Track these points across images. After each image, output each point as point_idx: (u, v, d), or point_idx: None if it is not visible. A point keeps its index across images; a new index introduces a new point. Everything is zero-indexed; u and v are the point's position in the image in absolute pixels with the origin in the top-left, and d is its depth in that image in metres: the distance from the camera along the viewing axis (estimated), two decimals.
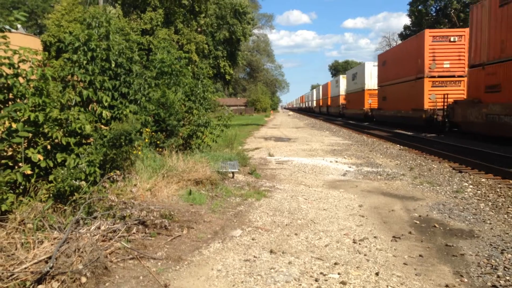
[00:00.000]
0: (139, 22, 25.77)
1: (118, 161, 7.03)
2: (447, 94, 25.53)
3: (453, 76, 27.00)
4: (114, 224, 5.45)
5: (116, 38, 8.50)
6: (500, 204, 8.23)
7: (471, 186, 9.95)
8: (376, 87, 41.83)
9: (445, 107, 24.60)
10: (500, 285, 4.58)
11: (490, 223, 6.94)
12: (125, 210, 5.69)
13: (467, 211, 7.75)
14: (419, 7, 68.30)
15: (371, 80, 43.36)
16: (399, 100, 32.06)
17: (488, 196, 8.95)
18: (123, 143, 6.88)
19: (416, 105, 28.12)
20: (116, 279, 4.50)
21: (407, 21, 76.28)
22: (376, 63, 42.64)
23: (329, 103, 71.05)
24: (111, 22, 8.46)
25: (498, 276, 4.81)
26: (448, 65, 26.98)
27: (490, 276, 4.83)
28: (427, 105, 26.72)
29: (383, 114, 37.75)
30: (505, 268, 5.03)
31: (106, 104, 7.57)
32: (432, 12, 67.77)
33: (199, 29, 30.38)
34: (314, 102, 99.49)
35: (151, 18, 25.71)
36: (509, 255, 5.45)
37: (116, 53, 8.25)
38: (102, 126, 7.36)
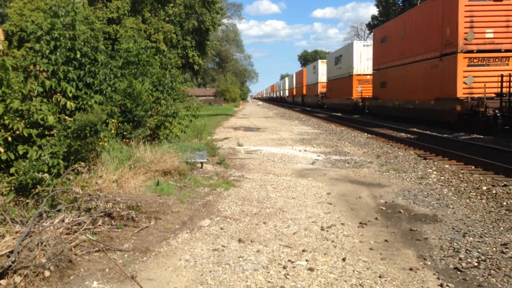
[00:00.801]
0: (105, 10, 25.27)
1: (83, 152, 6.89)
2: (502, 74, 17.49)
3: (499, 51, 19.59)
4: (79, 216, 5.35)
5: (82, 27, 8.30)
6: (462, 189, 8.45)
7: (435, 172, 10.18)
8: (368, 72, 35.69)
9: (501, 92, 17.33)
10: (462, 267, 4.70)
11: (452, 208, 7.12)
12: (90, 202, 5.59)
13: (431, 196, 7.93)
14: None
15: (360, 64, 36.70)
16: (410, 86, 24.74)
17: (451, 181, 9.17)
18: (88, 134, 6.74)
19: (442, 93, 20.79)
20: (81, 272, 4.43)
21: (375, 11, 77.14)
22: (367, 43, 37.00)
23: (304, 92, 65.19)
24: (78, 11, 8.25)
25: (460, 259, 4.95)
26: (491, 35, 19.58)
27: (452, 259, 4.96)
28: (461, 92, 19.30)
29: (381, 105, 30.56)
30: (467, 251, 5.17)
31: (70, 94, 7.39)
32: (399, 2, 68.68)
33: (167, 18, 29.99)
34: (287, 92, 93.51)
35: (117, 7, 25.24)
36: (471, 238, 5.60)
37: (81, 42, 8.06)
38: (66, 117, 7.19)
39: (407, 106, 25.35)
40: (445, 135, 18.40)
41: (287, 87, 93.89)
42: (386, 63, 29.66)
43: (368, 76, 35.53)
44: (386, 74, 29.70)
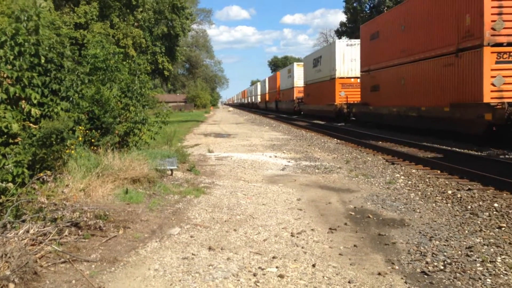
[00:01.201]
0: (72, 15, 24.86)
1: (49, 161, 6.73)
2: None
3: None
4: (44, 227, 5.22)
5: (46, 32, 8.13)
6: (428, 193, 8.63)
7: (402, 177, 10.36)
8: (353, 74, 32.22)
9: None
10: (429, 271, 4.79)
11: (419, 212, 7.26)
12: (56, 212, 5.47)
13: (399, 201, 8.07)
14: (354, 4, 70.35)
15: (343, 65, 32.78)
16: (413, 90, 20.78)
17: (418, 186, 9.35)
18: (54, 142, 6.59)
19: (459, 98, 16.80)
20: (47, 284, 4.32)
21: (343, 17, 78.24)
22: (352, 42, 33.34)
23: (278, 97, 61.25)
24: (41, 15, 8.08)
25: (427, 262, 5.04)
26: None
27: (419, 263, 5.04)
28: (489, 97, 15.26)
29: (373, 112, 26.28)
30: (433, 255, 5.27)
31: (35, 101, 7.22)
32: (366, 9, 69.93)
33: (136, 23, 29.72)
34: (259, 97, 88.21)
35: (85, 12, 24.88)
36: (437, 242, 5.72)
37: (46, 48, 7.89)
38: (31, 124, 7.02)
39: (408, 114, 21.12)
40: (483, 153, 14.22)
41: (259, 93, 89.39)
42: (378, 63, 25.64)
43: (353, 79, 32.39)
44: (378, 76, 25.74)
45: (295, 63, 51.81)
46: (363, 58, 28.69)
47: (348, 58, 32.65)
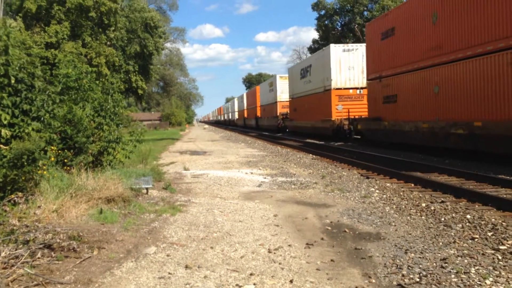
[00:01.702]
0: (43, 35, 24.60)
1: (20, 182, 6.60)
2: None
3: None
4: (16, 249, 5.09)
5: (16, 52, 8.03)
6: (403, 206, 8.74)
7: (377, 191, 10.48)
8: (351, 85, 28.25)
9: None
10: (405, 283, 4.84)
11: (395, 225, 7.34)
12: (28, 234, 5.35)
13: (374, 214, 8.15)
14: (326, 22, 71.54)
15: (340, 74, 28.24)
16: (458, 99, 15.58)
17: (392, 199, 9.47)
18: (25, 163, 6.48)
19: None
20: None
21: (315, 35, 79.44)
22: (349, 47, 29.04)
23: (259, 114, 56.88)
24: (11, 36, 7.98)
25: (403, 275, 5.09)
26: None
27: (395, 276, 5.09)
28: None
29: (389, 129, 20.88)
30: (409, 267, 5.33)
31: (5, 122, 7.11)
32: (337, 27, 71.20)
33: (108, 42, 29.58)
34: (236, 114, 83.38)
35: (56, 31, 24.65)
36: (412, 255, 5.79)
37: (16, 68, 7.79)
38: (1, 145, 6.89)
39: (452, 131, 15.71)
40: None
41: (236, 109, 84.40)
42: (395, 67, 20.44)
43: (352, 91, 28.36)
44: (397, 83, 20.47)
45: (277, 75, 46.91)
46: (371, 63, 23.65)
47: (345, 66, 28.29)
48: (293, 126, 39.62)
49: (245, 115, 70.14)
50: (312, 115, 32.40)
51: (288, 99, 42.08)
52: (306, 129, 34.94)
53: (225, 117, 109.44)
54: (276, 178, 13.23)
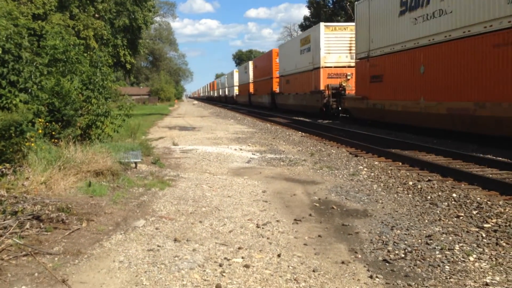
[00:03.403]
0: (30, 6, 24.06)
1: (8, 153, 6.56)
2: None
3: None
4: (4, 220, 5.08)
5: (2, 22, 7.88)
6: (390, 184, 8.84)
7: (365, 169, 10.57)
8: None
9: None
10: (390, 259, 4.93)
11: (382, 203, 7.43)
12: (16, 205, 5.33)
13: (362, 192, 8.24)
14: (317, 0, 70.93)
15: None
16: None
17: (380, 177, 9.56)
18: (13, 135, 6.43)
19: None
20: (8, 277, 4.21)
21: (306, 12, 78.79)
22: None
23: (275, 88, 42.47)
24: None
25: (388, 251, 5.18)
26: None
27: (381, 251, 5.18)
28: None
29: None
30: (394, 243, 5.42)
31: None
32: (329, 4, 70.66)
33: (96, 15, 29.06)
34: (236, 89, 68.65)
35: (43, 3, 24.09)
36: (398, 231, 5.88)
37: (3, 38, 7.66)
38: None
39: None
40: None
41: (235, 83, 68.92)
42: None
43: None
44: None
45: (321, 24, 29.31)
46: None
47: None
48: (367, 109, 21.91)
49: (251, 90, 55.45)
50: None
51: (333, 65, 28.43)
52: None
53: (220, 93, 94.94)
54: (265, 154, 13.26)
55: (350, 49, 27.71)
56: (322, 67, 28.56)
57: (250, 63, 57.35)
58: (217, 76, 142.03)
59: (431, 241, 5.47)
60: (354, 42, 24.92)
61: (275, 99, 42.43)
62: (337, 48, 28.63)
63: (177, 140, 16.93)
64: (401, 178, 9.44)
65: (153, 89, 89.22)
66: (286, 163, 11.64)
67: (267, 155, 13.08)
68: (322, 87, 28.11)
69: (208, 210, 6.95)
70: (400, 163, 11.28)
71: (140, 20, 32.87)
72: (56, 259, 4.73)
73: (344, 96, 25.98)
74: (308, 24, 70.64)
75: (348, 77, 27.26)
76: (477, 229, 5.91)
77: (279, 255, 5.02)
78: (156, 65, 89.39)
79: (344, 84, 26.72)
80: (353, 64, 26.03)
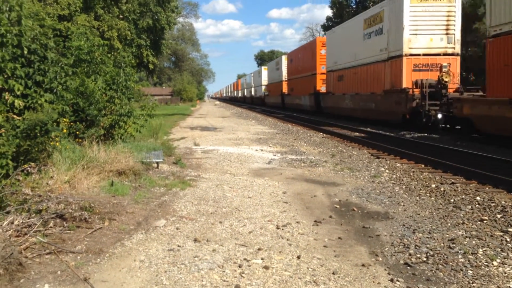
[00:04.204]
0: (55, 7, 24.50)
1: (33, 152, 6.67)
2: None
3: None
4: (29, 218, 5.19)
5: (29, 23, 8.02)
6: (412, 187, 8.73)
7: (387, 171, 10.46)
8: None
9: None
10: (412, 263, 4.87)
11: (403, 205, 7.35)
12: (41, 204, 5.43)
13: (383, 194, 8.16)
14: (340, 0, 70.46)
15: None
16: None
17: (402, 180, 9.46)
18: (38, 134, 6.54)
19: None
20: (32, 275, 4.30)
21: (329, 12, 78.19)
22: None
23: (318, 87, 34.04)
24: (24, 6, 7.97)
25: (410, 254, 5.12)
26: None
27: (402, 255, 5.12)
28: None
29: None
30: (416, 247, 5.35)
31: (18, 93, 7.13)
32: (352, 4, 70.15)
33: (121, 15, 29.43)
34: (264, 88, 61.35)
35: (68, 4, 24.51)
36: (420, 234, 5.81)
37: (29, 39, 7.79)
38: (15, 116, 6.94)
39: None
40: None
41: (264, 81, 61.44)
42: None
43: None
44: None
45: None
46: None
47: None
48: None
49: (285, 89, 47.89)
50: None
51: (445, 49, 20.62)
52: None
53: (245, 93, 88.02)
54: (286, 155, 13.24)
55: (447, 29, 20.34)
56: (406, 55, 20.37)
57: (283, 58, 48.66)
58: (239, 77, 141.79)
59: (454, 245, 5.39)
60: (453, 17, 19.71)
61: (319, 101, 33.72)
62: (427, 27, 20.32)
63: (199, 141, 17.02)
64: (423, 180, 9.32)
65: (176, 89, 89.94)
66: (307, 164, 11.60)
67: (288, 156, 13.05)
68: (405, 84, 20.20)
69: (228, 211, 6.97)
70: (423, 165, 11.13)
71: (163, 21, 33.16)
72: (78, 257, 4.80)
73: (460, 97, 17.34)
74: (330, 24, 70.25)
75: (444, 70, 19.54)
76: (501, 233, 5.80)
77: (298, 257, 5.01)
78: (178, 66, 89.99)
79: (446, 80, 18.84)
80: (450, 51, 20.30)
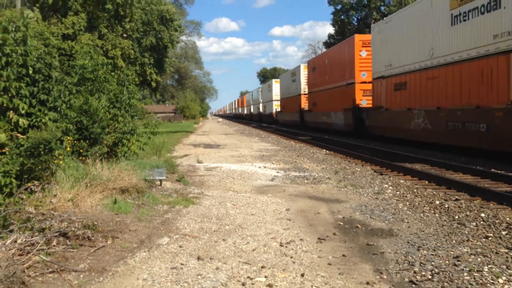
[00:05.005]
0: (60, 26, 24.80)
1: (36, 171, 6.70)
2: None
3: None
4: (32, 237, 5.18)
5: (34, 43, 8.11)
6: (416, 203, 8.69)
7: (391, 188, 10.43)
8: None
9: None
10: (417, 280, 4.82)
11: (407, 222, 7.31)
12: (44, 222, 5.43)
13: (387, 211, 8.12)
14: (342, 17, 71.08)
15: None
16: None
17: (406, 196, 9.42)
18: (42, 152, 6.57)
19: None
20: None
21: (331, 30, 78.81)
22: None
23: (358, 101, 26.20)
24: (29, 26, 8.07)
25: (415, 272, 5.07)
26: None
27: (407, 272, 5.08)
28: None
29: None
30: (421, 264, 5.31)
31: (22, 111, 7.19)
32: (353, 22, 70.69)
33: (124, 34, 29.74)
34: (276, 104, 55.34)
35: (73, 23, 24.83)
36: (425, 252, 5.76)
37: (34, 58, 7.88)
38: (19, 134, 6.98)
39: None
40: None
41: (275, 97, 55.62)
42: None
43: None
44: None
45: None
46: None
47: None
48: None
49: (304, 104, 40.52)
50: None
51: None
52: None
53: (251, 110, 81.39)
54: (289, 172, 13.23)
55: None
56: None
57: (302, 67, 41.59)
58: (242, 94, 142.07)
59: (459, 262, 5.34)
60: None
61: (361, 118, 25.12)
62: None
63: (202, 158, 17.03)
64: (427, 197, 9.28)
65: (179, 106, 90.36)
66: (310, 181, 11.58)
67: (291, 173, 13.04)
68: None
69: (231, 228, 6.94)
70: (426, 182, 11.10)
71: (167, 39, 33.50)
72: (81, 276, 4.78)
73: None
74: (332, 41, 70.72)
75: None
76: (506, 250, 5.76)
77: (302, 275, 4.97)
78: (181, 83, 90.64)
79: None
80: None
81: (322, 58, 35.61)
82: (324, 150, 20.31)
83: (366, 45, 26.29)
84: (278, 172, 13.28)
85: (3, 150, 6.46)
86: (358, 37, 27.24)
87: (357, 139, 25.15)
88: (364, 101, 25.91)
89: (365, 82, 26.00)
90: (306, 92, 39.75)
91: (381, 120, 22.51)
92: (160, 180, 10.14)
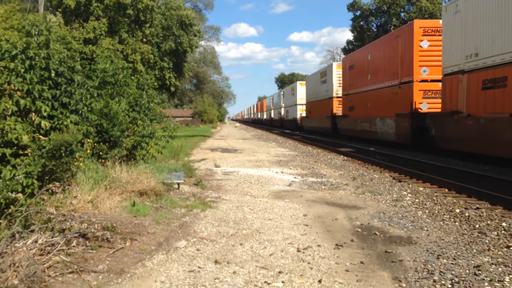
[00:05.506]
0: (81, 31, 25.19)
1: (58, 172, 6.79)
2: None
3: None
4: (52, 237, 5.25)
5: (56, 46, 8.25)
6: (436, 211, 8.59)
7: (409, 195, 10.32)
8: None
9: None
10: None
11: (427, 230, 7.22)
12: (64, 223, 5.51)
13: (406, 218, 8.04)
14: (361, 23, 70.83)
15: None
16: None
17: (425, 204, 9.31)
18: (63, 154, 6.66)
19: None
20: None
21: (350, 36, 78.52)
22: None
23: (416, 104, 20.87)
24: (52, 30, 8.22)
25: (434, 281, 5.01)
26: None
27: (426, 281, 5.01)
28: None
29: None
30: (441, 273, 5.24)
31: (45, 114, 7.31)
32: (373, 28, 70.39)
33: (144, 39, 30.05)
34: (300, 109, 51.28)
35: (94, 28, 25.19)
36: (445, 260, 5.69)
37: (57, 62, 8.00)
38: (41, 136, 7.09)
39: None
40: None
41: (299, 100, 51.46)
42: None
43: None
44: None
45: None
46: None
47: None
48: None
49: (336, 109, 35.79)
50: None
51: None
52: None
53: (271, 115, 77.88)
54: (306, 178, 13.19)
55: None
56: None
57: (335, 65, 36.56)
58: (260, 99, 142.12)
59: (480, 271, 5.26)
60: None
61: (425, 127, 19.80)
62: None
63: (219, 162, 17.08)
64: (447, 205, 9.16)
65: (197, 111, 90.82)
66: (327, 187, 11.53)
67: (309, 179, 13.00)
68: None
69: (248, 233, 6.94)
70: (446, 190, 10.95)
71: (186, 44, 33.72)
72: (100, 277, 4.83)
73: None
74: (351, 47, 70.49)
75: None
76: None
77: (320, 281, 4.95)
78: (200, 88, 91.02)
79: None
80: None
81: (363, 53, 29.62)
82: (342, 156, 20.20)
83: (429, 33, 21.05)
84: (295, 178, 13.25)
85: (26, 152, 6.57)
86: (418, 23, 21.57)
87: (425, 155, 19.15)
88: (425, 105, 20.99)
89: (426, 81, 21.13)
90: (340, 95, 34.89)
91: (459, 130, 16.70)
92: (178, 184, 10.19)
